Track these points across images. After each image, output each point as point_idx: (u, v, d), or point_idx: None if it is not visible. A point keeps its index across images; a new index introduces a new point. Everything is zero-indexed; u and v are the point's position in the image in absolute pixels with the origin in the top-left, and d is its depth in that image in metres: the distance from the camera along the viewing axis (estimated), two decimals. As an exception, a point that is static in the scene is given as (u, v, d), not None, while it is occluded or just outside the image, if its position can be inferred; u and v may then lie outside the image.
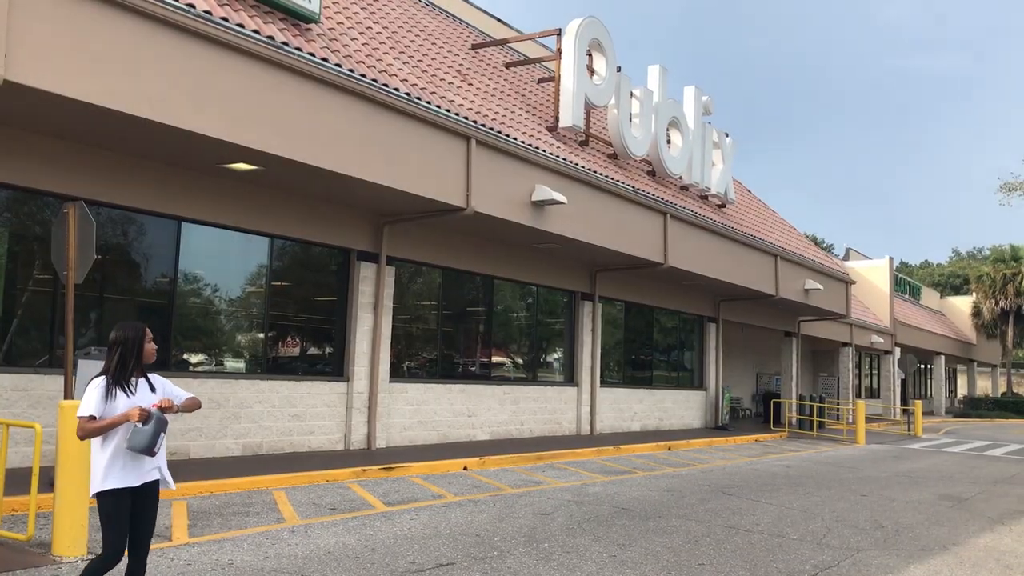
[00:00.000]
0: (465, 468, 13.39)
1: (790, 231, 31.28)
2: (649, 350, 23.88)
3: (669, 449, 18.79)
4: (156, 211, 11.63)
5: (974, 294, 56.85)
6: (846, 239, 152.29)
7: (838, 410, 31.81)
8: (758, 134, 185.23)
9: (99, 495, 4.70)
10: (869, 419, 35.18)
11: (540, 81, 20.74)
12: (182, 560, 6.82)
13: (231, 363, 13.10)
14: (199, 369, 12.55)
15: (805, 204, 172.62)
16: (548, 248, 17.80)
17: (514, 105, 17.51)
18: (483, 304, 17.94)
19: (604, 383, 21.00)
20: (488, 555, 7.51)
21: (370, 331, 14.61)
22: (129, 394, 4.76)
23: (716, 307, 26.15)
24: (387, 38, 15.21)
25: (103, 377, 4.76)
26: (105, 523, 4.71)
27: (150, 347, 4.94)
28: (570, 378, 20.08)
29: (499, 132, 14.57)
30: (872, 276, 42.32)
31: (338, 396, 14.14)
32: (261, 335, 13.49)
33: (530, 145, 15.28)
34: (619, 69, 19.32)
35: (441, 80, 15.29)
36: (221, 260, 12.87)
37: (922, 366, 53.09)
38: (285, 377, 13.44)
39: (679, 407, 24.27)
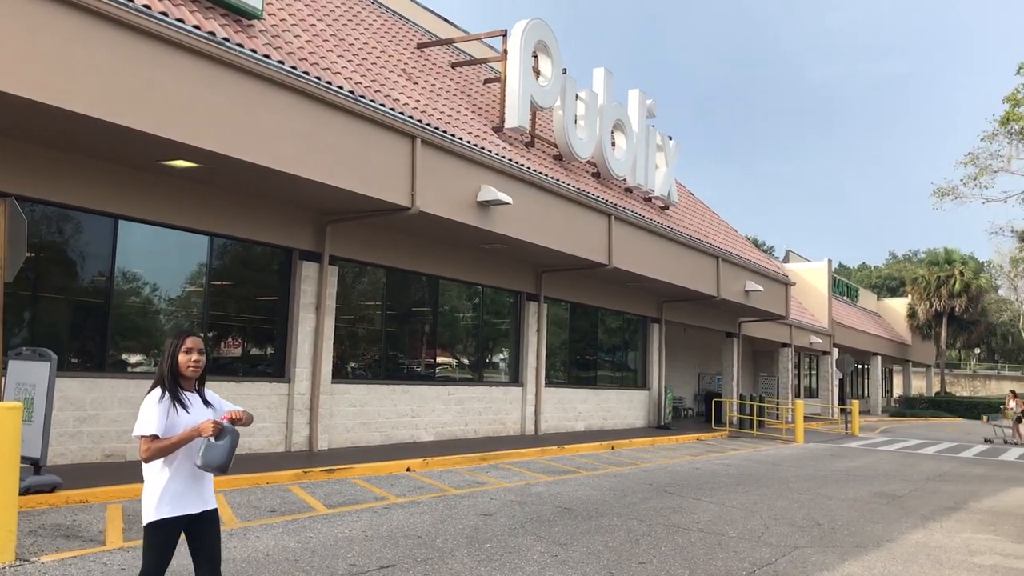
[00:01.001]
0: (408, 469, 13.33)
1: (731, 233, 31.76)
2: (594, 350, 24.04)
3: (612, 448, 18.94)
4: (92, 208, 11.35)
5: (909, 296, 58.32)
6: (786, 241, 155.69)
7: (778, 409, 32.40)
8: (700, 136, 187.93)
9: (152, 525, 4.18)
10: (808, 418, 35.87)
11: (486, 82, 20.74)
12: (116, 564, 6.67)
13: (169, 364, 12.83)
14: (137, 370, 12.28)
15: (747, 206, 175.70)
16: (494, 248, 17.82)
17: (460, 105, 17.48)
18: (428, 304, 17.87)
19: (549, 383, 21.08)
20: (430, 556, 7.48)
21: (312, 332, 14.46)
22: (189, 409, 4.29)
23: (659, 308, 26.44)
24: (331, 35, 15.07)
25: (157, 390, 4.27)
26: (149, 552, 4.19)
27: (184, 358, 4.32)
28: (515, 378, 20.12)
29: (445, 132, 14.53)
30: (811, 278, 43.15)
31: (279, 397, 13.96)
32: (201, 335, 13.23)
33: (476, 145, 15.27)
34: (565, 71, 19.43)
35: (386, 79, 15.20)
36: (160, 259, 12.61)
37: (859, 366, 54.36)
38: (225, 378, 13.22)
39: (623, 407, 24.48)
